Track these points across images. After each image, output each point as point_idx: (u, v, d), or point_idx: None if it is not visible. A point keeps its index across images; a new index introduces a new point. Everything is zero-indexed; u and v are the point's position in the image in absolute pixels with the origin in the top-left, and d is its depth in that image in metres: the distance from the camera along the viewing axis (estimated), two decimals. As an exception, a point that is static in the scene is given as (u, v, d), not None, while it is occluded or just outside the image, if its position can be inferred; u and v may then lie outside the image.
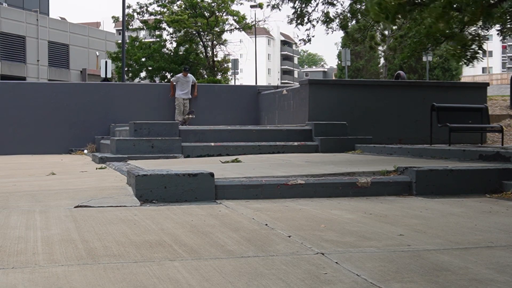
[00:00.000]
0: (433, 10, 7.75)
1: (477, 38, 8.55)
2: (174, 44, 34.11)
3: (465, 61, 8.71)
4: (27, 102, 15.30)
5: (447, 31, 8.19)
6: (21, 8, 41.95)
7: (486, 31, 9.20)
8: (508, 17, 8.65)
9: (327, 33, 16.65)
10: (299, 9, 14.84)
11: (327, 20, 14.76)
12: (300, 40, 16.87)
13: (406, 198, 6.08)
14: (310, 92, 13.26)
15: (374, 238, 3.97)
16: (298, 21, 15.12)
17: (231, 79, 41.10)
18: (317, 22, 15.24)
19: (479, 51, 8.75)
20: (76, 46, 44.67)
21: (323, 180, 6.24)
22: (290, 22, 15.56)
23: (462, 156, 8.65)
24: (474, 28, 9.02)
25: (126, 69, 30.01)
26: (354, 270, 3.12)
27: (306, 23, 15.15)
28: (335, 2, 14.58)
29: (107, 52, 35.14)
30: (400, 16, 7.99)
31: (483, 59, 9.85)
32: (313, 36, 16.34)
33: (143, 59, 32.62)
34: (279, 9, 16.47)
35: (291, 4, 15.13)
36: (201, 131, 11.94)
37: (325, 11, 14.81)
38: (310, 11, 15.11)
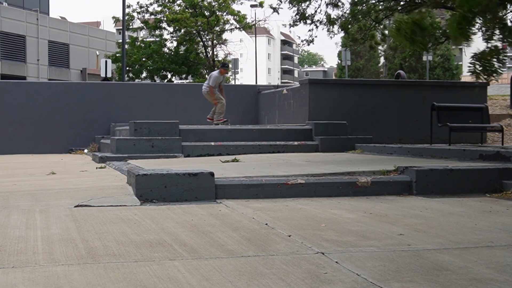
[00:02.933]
0: (449, 28, 7.79)
1: (495, 51, 8.46)
2: (174, 44, 34.10)
3: (485, 77, 8.64)
4: (27, 102, 15.30)
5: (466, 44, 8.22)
6: (21, 8, 41.93)
7: (504, 43, 9.15)
8: None
9: (331, 37, 16.65)
10: (301, 10, 14.85)
11: (329, 21, 14.76)
12: (303, 40, 16.84)
13: (406, 197, 6.08)
14: (310, 92, 13.25)
15: (374, 237, 3.97)
16: (300, 22, 15.13)
17: (231, 78, 41.09)
18: (320, 23, 15.23)
19: (499, 64, 8.69)
20: (76, 46, 44.65)
21: (323, 180, 6.24)
22: (293, 24, 15.51)
23: (462, 155, 8.65)
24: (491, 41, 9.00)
25: (126, 68, 30.00)
26: (354, 269, 3.12)
27: (310, 23, 15.14)
28: (338, 3, 14.57)
29: (105, 55, 35.08)
30: (416, 36, 8.11)
31: (502, 71, 9.73)
32: (315, 37, 16.35)
33: (143, 59, 32.61)
34: (278, 13, 16.48)
35: (293, 8, 15.13)
36: (201, 130, 11.94)
37: (327, 14, 14.82)
38: (312, 12, 15.12)
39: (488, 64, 8.21)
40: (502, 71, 8.93)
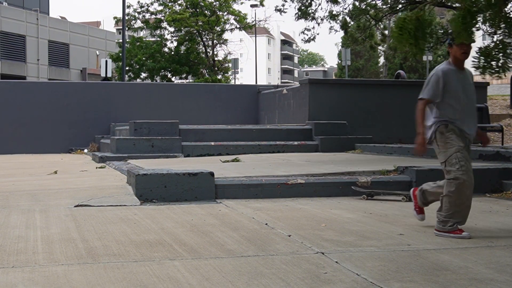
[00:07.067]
0: (453, 22, 7.56)
1: (501, 46, 8.04)
2: (175, 44, 34.08)
3: (492, 72, 8.16)
4: (27, 102, 15.29)
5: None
6: (21, 7, 41.90)
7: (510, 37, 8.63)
8: None
9: (330, 32, 16.54)
10: (303, 8, 14.79)
11: (331, 16, 14.71)
12: (305, 40, 16.77)
13: (406, 197, 6.07)
14: (310, 92, 13.24)
15: (374, 237, 3.97)
16: (303, 17, 15.05)
17: (232, 78, 41.10)
18: (322, 20, 15.17)
19: (507, 60, 8.09)
20: (76, 46, 44.62)
21: (323, 180, 6.23)
22: (298, 17, 15.36)
23: (462, 155, 8.63)
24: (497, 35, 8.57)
25: (127, 68, 29.99)
26: (354, 269, 3.12)
27: (311, 20, 15.03)
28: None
29: (109, 54, 35.02)
30: (419, 33, 7.81)
31: (509, 67, 8.79)
32: (317, 34, 16.27)
33: (144, 58, 32.60)
34: (281, 13, 16.33)
35: (295, 5, 15.07)
36: (201, 130, 11.94)
37: (329, 10, 14.76)
38: (314, 9, 15.04)
39: (494, 59, 7.94)
40: (509, 66, 8.48)
